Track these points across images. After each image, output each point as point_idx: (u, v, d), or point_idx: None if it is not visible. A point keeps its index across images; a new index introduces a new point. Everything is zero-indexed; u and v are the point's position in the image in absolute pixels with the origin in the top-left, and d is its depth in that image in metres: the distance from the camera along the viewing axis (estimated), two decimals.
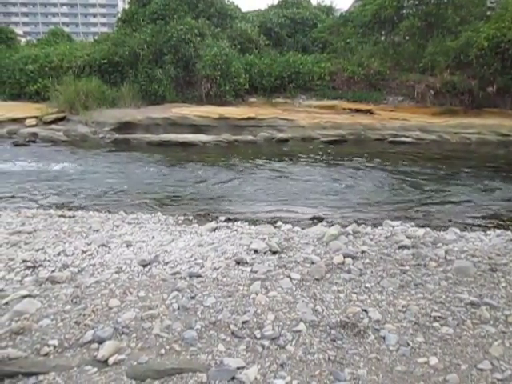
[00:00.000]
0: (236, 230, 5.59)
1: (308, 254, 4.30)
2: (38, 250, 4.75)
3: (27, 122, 16.12)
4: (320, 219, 6.78)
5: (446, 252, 4.27)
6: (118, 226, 5.89)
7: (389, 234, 5.04)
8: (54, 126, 15.88)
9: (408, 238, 4.78)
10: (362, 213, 7.39)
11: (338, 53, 20.42)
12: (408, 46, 19.71)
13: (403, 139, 14.96)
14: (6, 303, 3.27)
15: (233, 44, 19.55)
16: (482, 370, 2.53)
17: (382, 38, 21.43)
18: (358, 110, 17.47)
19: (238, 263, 4.11)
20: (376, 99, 18.40)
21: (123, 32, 21.18)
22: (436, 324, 2.99)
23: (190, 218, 6.72)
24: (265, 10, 25.07)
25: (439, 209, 7.61)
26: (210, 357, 2.58)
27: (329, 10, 25.96)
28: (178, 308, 3.14)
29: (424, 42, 18.97)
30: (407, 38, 20.20)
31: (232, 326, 2.91)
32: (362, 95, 18.47)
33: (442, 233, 5.36)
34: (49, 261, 4.45)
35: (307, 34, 22.40)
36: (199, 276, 3.77)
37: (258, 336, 2.82)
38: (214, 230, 5.67)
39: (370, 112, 17.33)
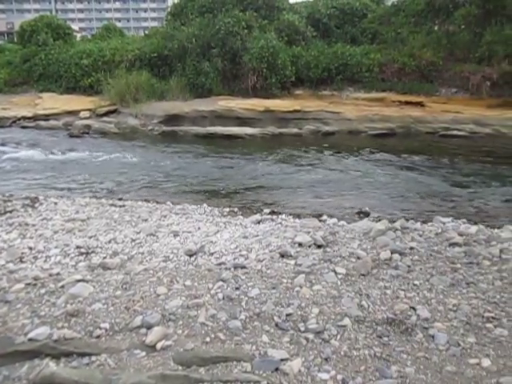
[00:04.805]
0: (280, 223, 5.59)
1: (354, 248, 4.23)
2: (90, 237, 4.97)
3: (81, 114, 16.87)
4: (366, 214, 6.66)
5: (501, 251, 4.07)
6: (165, 216, 6.06)
7: (439, 230, 4.86)
8: (105, 119, 16.50)
9: (460, 235, 4.60)
10: (411, 208, 7.18)
11: (388, 43, 19.79)
12: (463, 35, 18.77)
13: (455, 133, 14.34)
14: (62, 286, 3.44)
15: (280, 36, 19.40)
16: None
17: (436, 28, 20.52)
18: (408, 103, 16.90)
19: (282, 256, 4.11)
20: (428, 91, 17.69)
21: (172, 26, 21.58)
22: (489, 325, 2.86)
23: (235, 209, 6.80)
24: (313, 1, 24.61)
25: (493, 206, 7.28)
26: (254, 347, 2.60)
27: None
28: (223, 298, 3.18)
29: (481, 31, 18.02)
30: (463, 26, 19.22)
31: (276, 318, 2.91)
32: (413, 87, 17.82)
33: (496, 230, 5.11)
34: (100, 248, 4.65)
35: (356, 24, 21.83)
36: (244, 267, 3.80)
37: (302, 329, 2.80)
38: (259, 222, 5.71)
39: (420, 104, 16.72)
